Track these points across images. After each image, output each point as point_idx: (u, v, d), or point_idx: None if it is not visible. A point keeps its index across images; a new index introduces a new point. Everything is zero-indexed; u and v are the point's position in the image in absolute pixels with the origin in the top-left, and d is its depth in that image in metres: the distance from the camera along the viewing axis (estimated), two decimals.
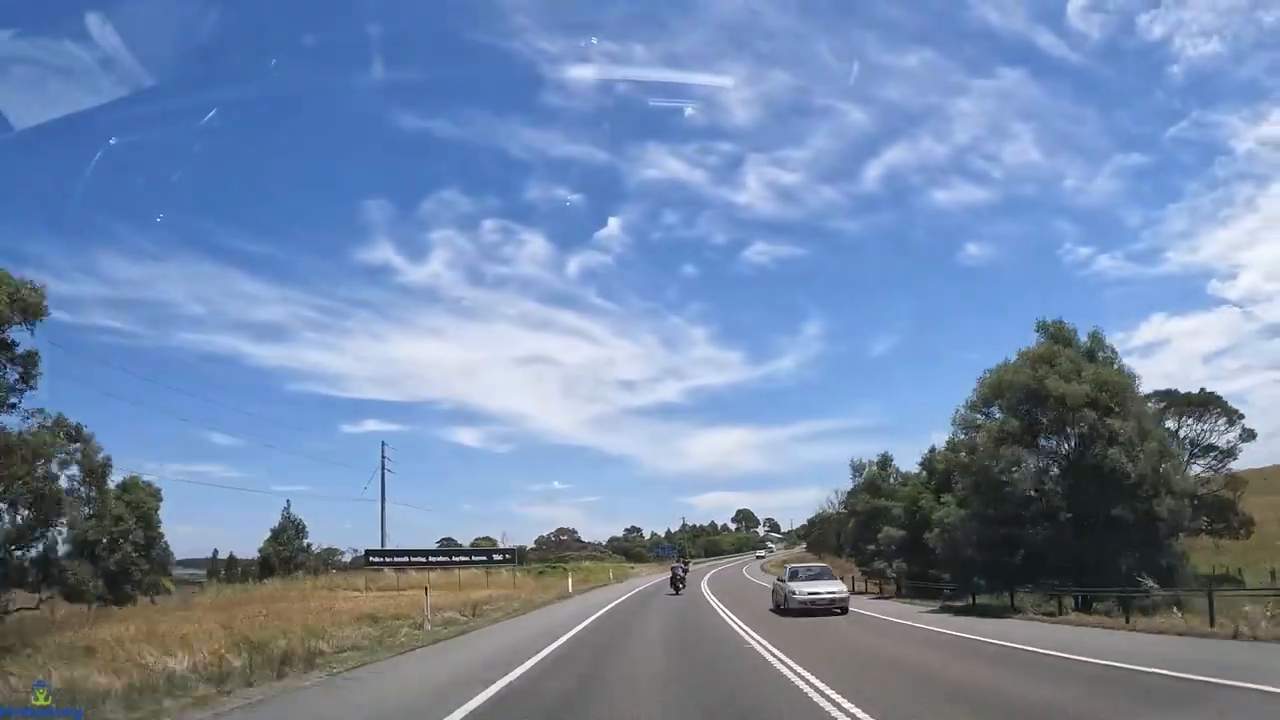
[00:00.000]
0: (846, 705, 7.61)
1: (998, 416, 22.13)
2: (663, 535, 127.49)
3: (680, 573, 35.07)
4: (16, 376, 16.49)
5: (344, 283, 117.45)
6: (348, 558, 58.16)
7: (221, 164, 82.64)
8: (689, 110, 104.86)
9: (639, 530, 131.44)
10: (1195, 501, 24.46)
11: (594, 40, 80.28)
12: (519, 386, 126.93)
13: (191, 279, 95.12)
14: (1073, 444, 20.99)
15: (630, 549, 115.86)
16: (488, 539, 77.70)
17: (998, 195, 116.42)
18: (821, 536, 77.15)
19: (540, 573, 55.80)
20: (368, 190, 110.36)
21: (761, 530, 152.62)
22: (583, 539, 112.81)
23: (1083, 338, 22.50)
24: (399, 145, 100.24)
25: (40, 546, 22.17)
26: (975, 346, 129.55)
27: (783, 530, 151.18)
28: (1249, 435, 34.60)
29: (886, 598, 31.31)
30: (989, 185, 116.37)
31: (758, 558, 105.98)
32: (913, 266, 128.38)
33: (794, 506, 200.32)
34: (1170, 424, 33.32)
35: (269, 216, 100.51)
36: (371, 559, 42.46)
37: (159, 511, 37.08)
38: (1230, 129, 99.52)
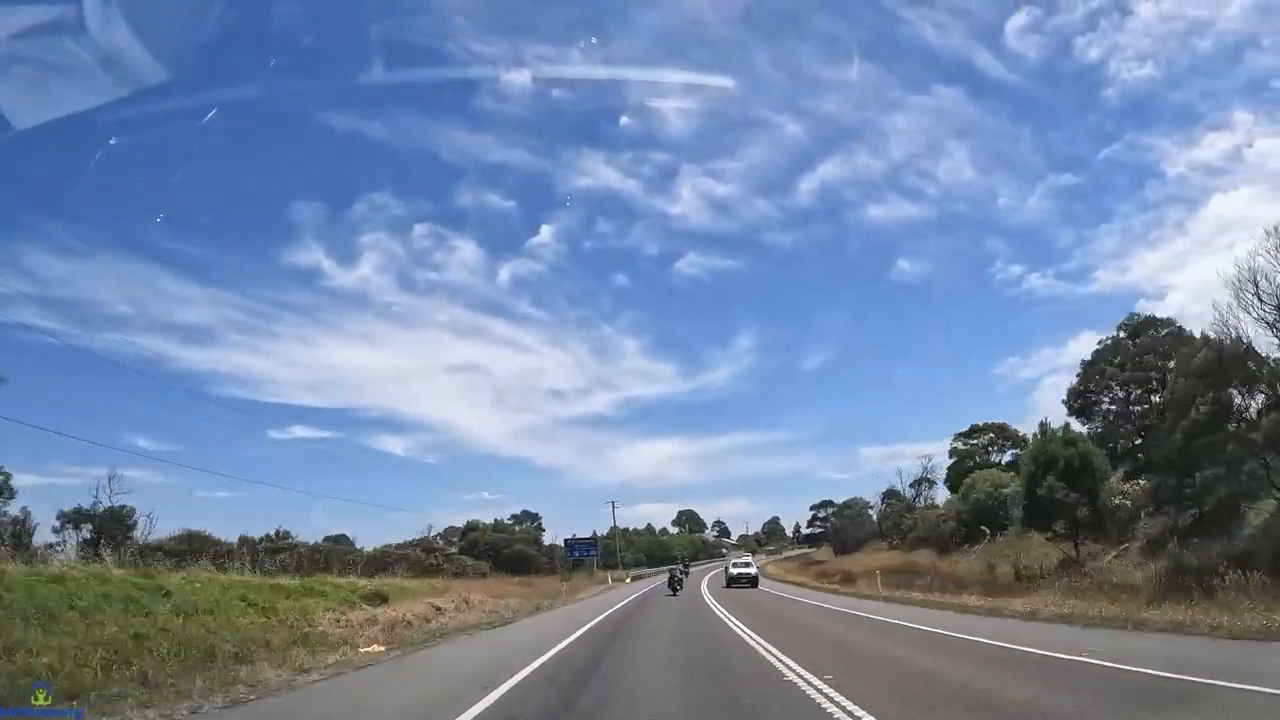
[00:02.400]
0: None
1: None
2: (589, 536, 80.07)
3: (680, 574, 38.35)
4: None
5: (272, 285, 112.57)
6: None
7: (159, 163, 78.61)
8: (624, 119, 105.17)
9: (536, 520, 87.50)
10: None
11: (593, 40, 79.06)
12: (449, 395, 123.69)
13: (120, 278, 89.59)
14: None
15: (509, 548, 70.08)
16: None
17: (931, 212, 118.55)
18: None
19: None
20: (297, 191, 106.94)
21: (710, 533, 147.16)
22: None
23: None
24: (330, 145, 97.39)
25: None
26: (905, 362, 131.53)
27: (732, 535, 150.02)
28: None
29: None
30: (923, 202, 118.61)
31: (734, 570, 61.61)
32: (845, 281, 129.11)
33: (728, 517, 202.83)
34: None
35: (198, 214, 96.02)
36: None
37: None
38: (1162, 152, 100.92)
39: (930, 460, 71.73)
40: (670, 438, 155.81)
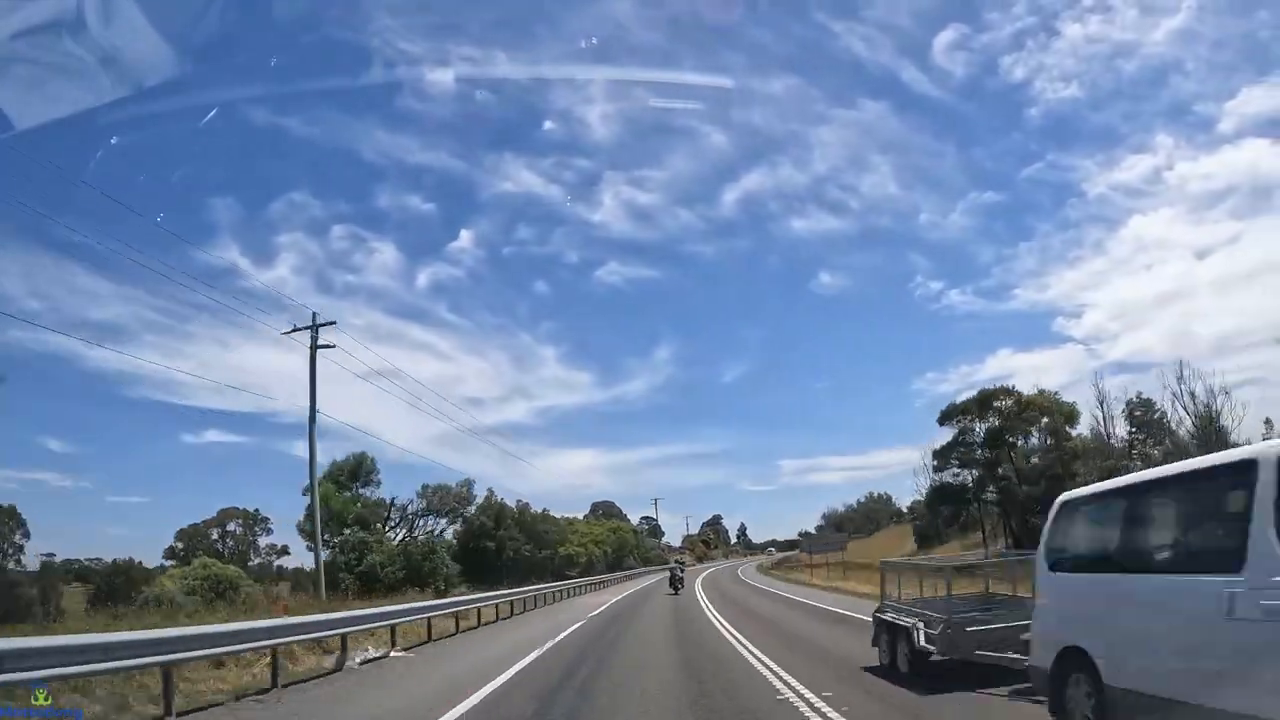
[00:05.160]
0: None
1: None
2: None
3: (679, 573, 37.24)
4: None
5: (187, 284, 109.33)
6: None
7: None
8: (548, 124, 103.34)
9: None
10: None
11: (593, 40, 78.20)
12: (364, 400, 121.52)
13: (29, 272, 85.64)
14: None
15: None
16: None
17: (853, 226, 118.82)
18: None
19: None
20: (213, 187, 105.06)
21: (636, 523, 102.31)
22: None
23: None
24: (248, 141, 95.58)
25: None
26: (825, 375, 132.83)
27: (666, 535, 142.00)
28: None
29: None
30: (845, 215, 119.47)
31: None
32: (766, 293, 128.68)
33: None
34: None
35: (108, 208, 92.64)
36: None
37: None
38: (1084, 173, 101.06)
39: None
40: (586, 448, 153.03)
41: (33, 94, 12.86)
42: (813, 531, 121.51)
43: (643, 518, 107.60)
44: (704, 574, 60.30)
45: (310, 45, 64.40)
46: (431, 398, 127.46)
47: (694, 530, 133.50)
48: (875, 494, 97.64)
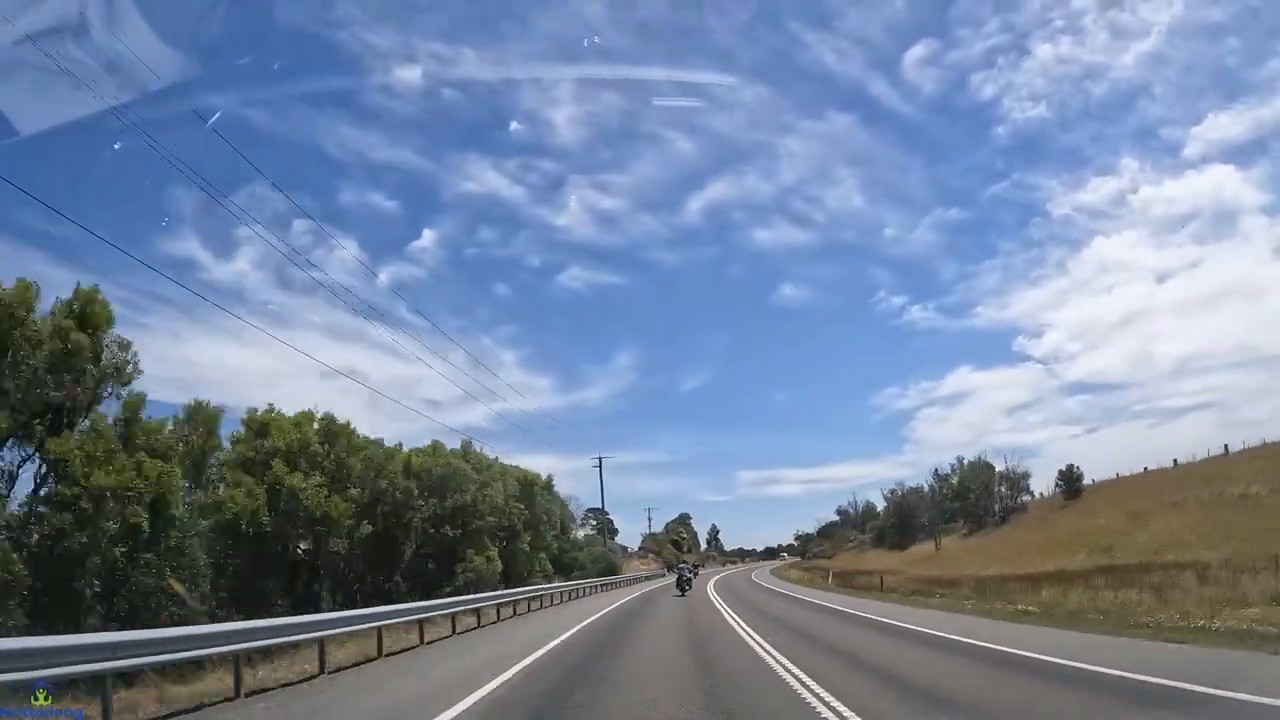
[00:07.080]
0: None
1: None
2: None
3: (688, 574, 35.54)
4: None
5: (144, 275, 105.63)
6: None
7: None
8: (514, 124, 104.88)
9: None
10: None
11: (561, 40, 78.77)
12: (324, 400, 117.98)
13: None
14: None
15: None
16: None
17: (817, 238, 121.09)
18: None
19: None
20: (173, 176, 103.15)
21: (583, 527, 66.30)
22: None
23: None
24: (212, 132, 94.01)
25: None
26: (785, 385, 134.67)
27: (618, 536, 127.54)
28: None
29: None
30: (809, 227, 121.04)
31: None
32: (729, 303, 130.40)
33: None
34: None
35: (68, 196, 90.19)
36: None
37: None
38: (1049, 192, 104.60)
39: None
40: (544, 454, 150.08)
41: (38, 98, 13.02)
42: (813, 534, 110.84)
43: (589, 510, 72.33)
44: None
45: (280, 38, 63.70)
46: (390, 398, 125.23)
47: (657, 529, 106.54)
48: (979, 458, 62.91)
